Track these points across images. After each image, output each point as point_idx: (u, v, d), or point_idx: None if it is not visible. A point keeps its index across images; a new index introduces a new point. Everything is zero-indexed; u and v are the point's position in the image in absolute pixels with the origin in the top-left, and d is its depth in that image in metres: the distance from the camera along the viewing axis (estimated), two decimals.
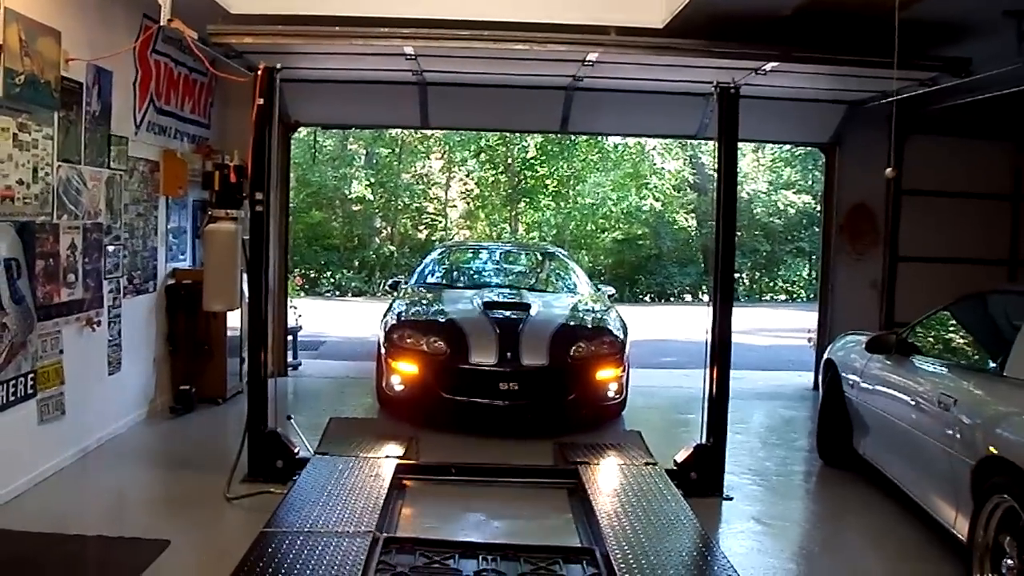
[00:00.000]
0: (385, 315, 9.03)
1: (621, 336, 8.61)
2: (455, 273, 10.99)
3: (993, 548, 4.36)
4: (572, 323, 8.61)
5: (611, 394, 8.37)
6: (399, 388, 8.25)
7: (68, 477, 6.44)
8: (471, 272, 11.16)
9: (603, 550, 5.01)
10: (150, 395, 8.39)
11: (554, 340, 8.16)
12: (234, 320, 8.76)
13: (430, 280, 10.51)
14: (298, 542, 4.96)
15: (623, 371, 8.44)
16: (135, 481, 6.73)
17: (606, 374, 8.29)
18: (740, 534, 5.94)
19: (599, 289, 10.72)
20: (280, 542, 4.97)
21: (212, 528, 5.73)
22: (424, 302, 9.27)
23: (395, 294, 10.12)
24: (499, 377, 7.93)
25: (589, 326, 8.68)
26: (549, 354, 8.05)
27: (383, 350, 8.50)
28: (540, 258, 11.86)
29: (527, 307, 8.74)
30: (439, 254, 11.76)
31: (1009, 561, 4.20)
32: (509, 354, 7.98)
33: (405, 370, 8.18)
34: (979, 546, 4.44)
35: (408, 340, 8.24)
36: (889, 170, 7.45)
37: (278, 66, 6.49)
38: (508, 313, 8.58)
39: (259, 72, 6.44)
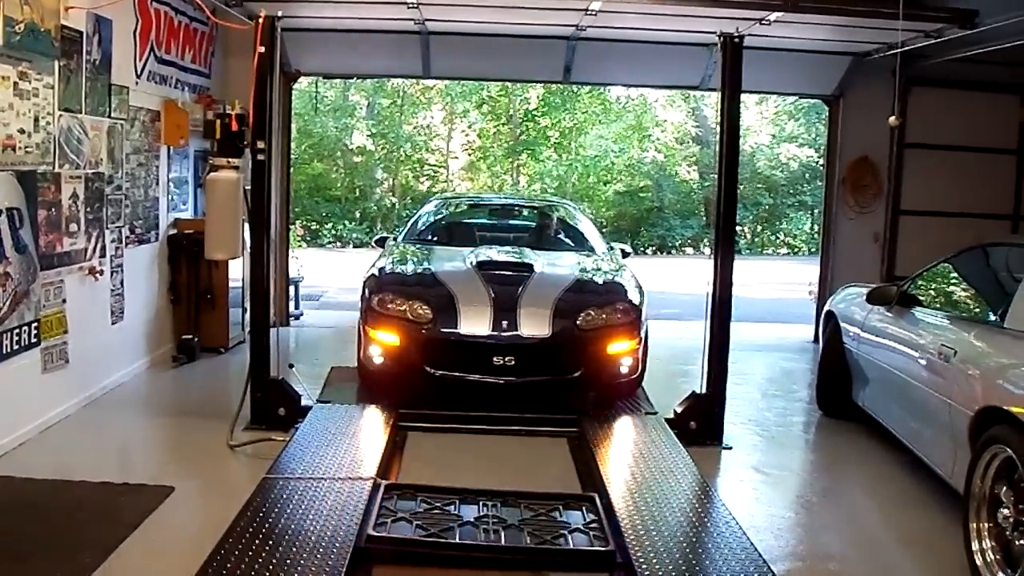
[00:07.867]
0: (366, 276, 7.88)
1: (637, 301, 7.46)
2: (450, 228, 9.67)
3: (990, 498, 4.38)
4: (580, 287, 7.52)
5: (624, 370, 7.20)
6: (378, 361, 7.16)
7: (73, 425, 6.49)
8: (468, 227, 9.78)
9: (603, 497, 5.06)
10: (153, 344, 8.42)
11: (559, 306, 7.08)
12: (236, 270, 8.79)
13: (421, 236, 9.36)
14: (300, 488, 5.02)
15: (639, 343, 7.27)
16: (139, 429, 6.79)
17: (619, 347, 7.16)
18: (739, 483, 6.01)
19: (611, 247, 9.32)
20: (282, 488, 5.03)
21: (215, 475, 5.79)
22: (411, 261, 8.22)
23: (382, 251, 8.94)
24: (493, 350, 6.90)
25: (600, 291, 7.59)
26: (552, 323, 6.98)
27: (361, 316, 7.46)
28: (546, 212, 10.56)
29: (529, 267, 7.65)
30: (434, 207, 10.51)
31: (1005, 511, 4.22)
32: (505, 322, 6.96)
33: (385, 340, 7.10)
34: (976, 496, 4.46)
35: (389, 305, 7.15)
36: (892, 118, 7.41)
37: (279, 14, 6.42)
38: (506, 274, 7.54)
39: (259, 20, 6.38)
